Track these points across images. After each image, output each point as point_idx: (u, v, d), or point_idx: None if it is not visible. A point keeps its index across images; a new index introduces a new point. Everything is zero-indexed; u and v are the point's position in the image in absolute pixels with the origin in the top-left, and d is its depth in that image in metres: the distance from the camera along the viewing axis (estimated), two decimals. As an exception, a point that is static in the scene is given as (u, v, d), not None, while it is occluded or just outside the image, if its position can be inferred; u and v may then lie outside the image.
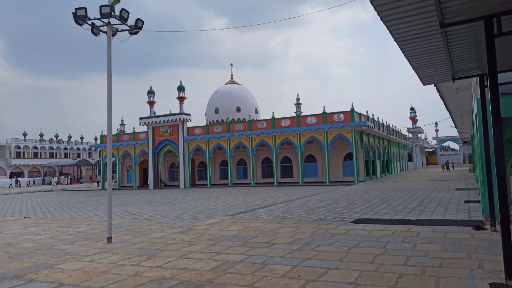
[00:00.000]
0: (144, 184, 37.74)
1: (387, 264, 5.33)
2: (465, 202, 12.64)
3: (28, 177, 69.40)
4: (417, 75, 7.64)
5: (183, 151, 33.23)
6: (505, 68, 7.03)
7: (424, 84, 8.32)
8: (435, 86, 17.72)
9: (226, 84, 43.40)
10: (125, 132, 38.74)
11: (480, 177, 9.34)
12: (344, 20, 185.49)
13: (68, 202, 21.83)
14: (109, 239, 8.33)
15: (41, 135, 74.90)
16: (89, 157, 77.74)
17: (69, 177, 64.17)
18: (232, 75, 44.04)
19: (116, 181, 38.60)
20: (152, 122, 34.17)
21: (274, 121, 30.23)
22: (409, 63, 7.00)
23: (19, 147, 70.10)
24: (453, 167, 47.63)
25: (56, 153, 76.30)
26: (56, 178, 58.00)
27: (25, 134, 72.22)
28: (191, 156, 33.72)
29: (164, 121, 33.65)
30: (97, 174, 62.46)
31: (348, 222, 9.32)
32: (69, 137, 79.15)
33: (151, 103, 35.06)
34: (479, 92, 8.51)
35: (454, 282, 4.50)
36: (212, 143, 32.63)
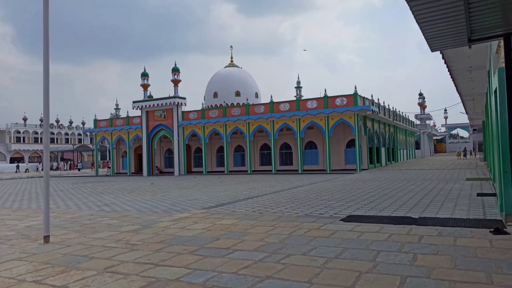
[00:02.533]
0: (139, 171, 36.45)
1: (373, 290, 3.78)
2: (478, 195, 10.99)
3: (29, 162, 68.74)
4: (425, 37, 5.95)
5: (178, 137, 31.75)
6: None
7: (432, 49, 6.61)
8: (446, 66, 15.90)
9: (225, 67, 41.68)
10: (120, 116, 37.25)
11: (499, 167, 7.68)
12: (354, 5, 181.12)
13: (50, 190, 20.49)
14: (46, 239, 6.87)
15: (42, 120, 73.88)
16: (91, 142, 76.75)
17: (69, 163, 63.27)
18: (232, 57, 42.29)
19: (109, 168, 37.35)
20: (145, 106, 32.65)
21: (272, 105, 28.53)
22: (415, 19, 5.33)
23: (19, 132, 69.31)
24: (471, 154, 45.55)
25: (57, 138, 75.49)
26: (53, 164, 57.04)
27: (25, 119, 71.34)
28: (186, 142, 32.26)
29: (158, 104, 32.12)
30: (79, 161, 61.40)
31: (337, 219, 7.76)
32: (70, 122, 78.20)
33: (145, 86, 33.49)
34: (502, 60, 6.80)
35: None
36: (207, 129, 31.08)
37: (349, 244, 5.65)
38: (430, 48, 6.75)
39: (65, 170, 57.85)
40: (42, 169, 61.35)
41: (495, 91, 7.46)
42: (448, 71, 16.63)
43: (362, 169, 26.67)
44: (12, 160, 66.88)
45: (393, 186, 14.73)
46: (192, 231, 7.13)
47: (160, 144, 36.07)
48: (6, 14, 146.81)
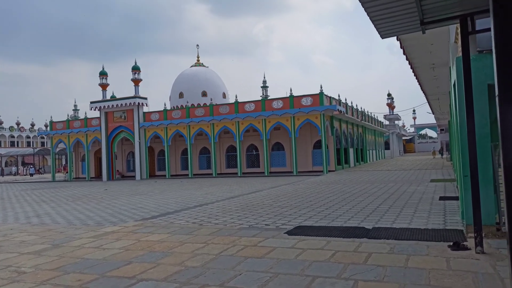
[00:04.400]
0: (99, 175, 34.57)
1: None
2: (441, 198, 10.31)
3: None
4: (371, 19, 5.06)
5: (139, 139, 30.20)
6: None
7: (382, 36, 5.74)
8: (409, 62, 15.35)
9: (191, 66, 40.34)
10: (78, 118, 35.26)
11: (459, 170, 6.93)
12: (327, 7, 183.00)
13: (-12, 198, 18.69)
14: None
15: (0, 122, 70.11)
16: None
17: (30, 167, 60.05)
18: (198, 57, 40.99)
19: (67, 172, 35.28)
20: (104, 106, 30.91)
21: (237, 106, 27.48)
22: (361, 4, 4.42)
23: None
24: (448, 153, 45.72)
25: (17, 142, 71.81)
26: (11, 168, 54.03)
27: (-19, 122, 67.36)
28: (148, 144, 30.74)
29: (117, 105, 30.47)
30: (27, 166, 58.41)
31: (283, 231, 6.79)
32: (32, 124, 74.43)
33: (104, 86, 31.73)
34: (459, 49, 6.03)
35: None
36: (170, 130, 29.69)
37: (283, 267, 4.67)
38: (379, 34, 5.87)
39: (24, 175, 54.80)
40: None
41: (454, 84, 6.70)
42: (411, 68, 16.09)
43: (329, 171, 26.03)
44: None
45: (356, 189, 13.97)
46: (107, 251, 5.98)
47: (121, 147, 34.36)
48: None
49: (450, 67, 12.64)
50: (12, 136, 70.75)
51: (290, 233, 6.67)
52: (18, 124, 72.63)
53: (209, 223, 8.13)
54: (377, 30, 5.43)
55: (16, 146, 70.82)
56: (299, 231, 6.79)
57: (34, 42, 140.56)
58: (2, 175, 59.65)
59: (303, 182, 18.54)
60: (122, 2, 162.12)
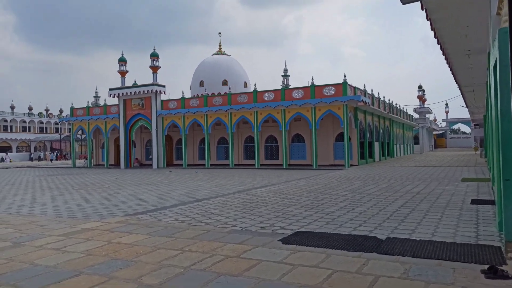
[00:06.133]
0: (118, 162, 34.41)
1: None
2: (473, 202, 8.92)
3: (17, 152, 66.94)
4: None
5: (156, 127, 29.65)
6: None
7: (403, 1, 4.52)
8: (441, 49, 13.75)
9: (213, 54, 39.42)
10: (98, 105, 35.15)
11: (498, 171, 5.61)
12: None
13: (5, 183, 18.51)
14: None
15: (30, 109, 71.97)
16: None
17: (56, 153, 61.33)
18: (220, 45, 40.02)
19: (86, 159, 35.34)
20: (122, 93, 30.49)
21: (256, 95, 26.36)
22: None
23: (6, 121, 67.28)
24: None
25: (46, 128, 73.59)
26: (39, 154, 55.24)
27: (12, 107, 69.24)
28: (165, 133, 30.14)
29: (135, 92, 29.96)
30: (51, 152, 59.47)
31: (277, 238, 5.72)
32: (60, 111, 75.94)
33: (123, 73, 31.28)
34: (505, 18, 4.72)
35: None
36: (188, 119, 28.95)
37: (259, 292, 3.61)
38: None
39: (50, 160, 55.89)
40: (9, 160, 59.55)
41: (495, 66, 5.36)
42: (444, 55, 14.46)
43: (352, 165, 24.60)
44: (-1, 150, 65.03)
45: (376, 186, 12.67)
46: (65, 255, 5.10)
47: (140, 135, 34.01)
48: (8, 2, 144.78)
49: (489, 50, 11.05)
50: (41, 122, 72.51)
51: (285, 241, 5.58)
52: (47, 110, 74.31)
53: (199, 223, 7.16)
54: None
55: (45, 131, 72.54)
56: (297, 238, 5.69)
57: (70, 32, 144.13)
58: (32, 159, 61.26)
59: (320, 177, 17.31)
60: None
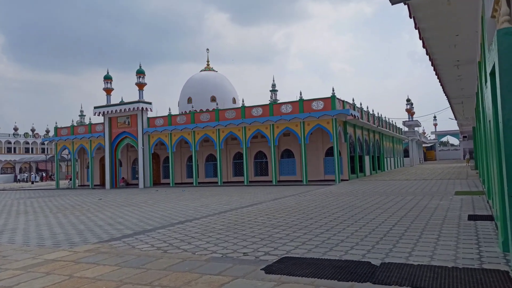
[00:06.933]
0: (104, 182, 33.47)
1: None
2: (470, 217, 8.43)
3: (1, 173, 65.24)
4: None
5: (143, 145, 28.94)
6: None
7: (392, 2, 4.10)
8: (430, 59, 13.48)
9: (201, 71, 39.10)
10: (83, 124, 34.36)
11: (500, 185, 5.13)
12: (346, 15, 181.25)
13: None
14: None
15: (16, 129, 70.50)
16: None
17: (41, 174, 59.87)
18: (208, 61, 39.72)
19: (70, 180, 34.33)
20: (108, 111, 29.82)
21: (244, 110, 25.92)
22: None
23: (-11, 142, 65.76)
24: None
25: (32, 148, 72.06)
26: (23, 175, 53.80)
27: (-4, 128, 67.75)
28: (152, 151, 29.43)
29: (121, 110, 29.32)
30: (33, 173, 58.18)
31: (260, 267, 5.12)
32: (47, 131, 74.50)
33: (108, 90, 30.67)
34: (505, 17, 4.32)
35: None
36: (175, 136, 28.32)
37: None
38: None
39: (35, 182, 54.41)
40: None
41: (492, 72, 4.94)
42: (432, 66, 14.21)
43: (343, 180, 24.11)
44: (-17, 171, 63.26)
45: (368, 202, 12.14)
46: (15, 295, 4.44)
47: (127, 154, 33.22)
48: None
49: (479, 60, 10.77)
50: (27, 143, 71.05)
51: (269, 269, 4.99)
52: (33, 130, 72.93)
53: (176, 249, 6.53)
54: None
55: (30, 152, 71.04)
56: (282, 266, 5.10)
57: (59, 51, 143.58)
58: (18, 181, 59.63)
59: (310, 193, 16.76)
60: (143, 12, 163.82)
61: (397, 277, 4.43)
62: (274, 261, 5.42)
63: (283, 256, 5.70)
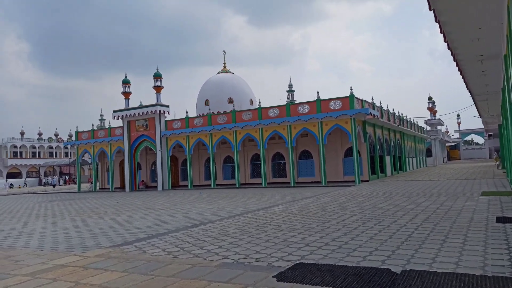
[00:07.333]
0: (124, 185, 33.82)
1: None
2: (498, 220, 7.94)
3: (27, 177, 67.00)
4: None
5: (161, 148, 29.08)
6: None
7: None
8: (452, 54, 12.92)
9: (218, 73, 39.13)
10: (103, 127, 34.85)
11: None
12: (364, 14, 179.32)
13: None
14: None
15: (40, 134, 72.42)
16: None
17: (64, 177, 61.24)
18: (225, 63, 39.72)
19: (92, 183, 34.82)
20: (126, 115, 30.14)
21: (260, 111, 25.70)
22: None
23: (15, 147, 67.76)
24: None
25: (56, 152, 73.87)
26: (48, 178, 55.05)
27: (22, 133, 69.78)
28: (170, 154, 29.55)
29: (139, 113, 29.57)
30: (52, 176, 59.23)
31: (272, 274, 4.85)
32: (70, 135, 76.25)
33: (126, 94, 31.02)
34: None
35: None
36: (192, 138, 28.35)
37: None
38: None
39: (59, 185, 55.62)
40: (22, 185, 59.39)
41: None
42: (455, 61, 13.61)
43: (362, 181, 23.55)
44: (9, 176, 65.17)
45: (388, 204, 11.70)
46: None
47: (146, 157, 33.48)
48: (23, 32, 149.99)
49: (505, 55, 10.24)
50: (51, 147, 72.84)
51: (281, 277, 4.72)
52: (56, 135, 74.76)
53: (187, 254, 6.33)
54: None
55: (54, 156, 72.80)
56: (295, 274, 4.82)
57: (81, 57, 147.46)
58: (44, 184, 61.18)
59: (329, 195, 16.36)
60: (160, 17, 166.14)
61: (419, 286, 4.09)
62: (287, 267, 5.15)
63: (297, 262, 5.42)
